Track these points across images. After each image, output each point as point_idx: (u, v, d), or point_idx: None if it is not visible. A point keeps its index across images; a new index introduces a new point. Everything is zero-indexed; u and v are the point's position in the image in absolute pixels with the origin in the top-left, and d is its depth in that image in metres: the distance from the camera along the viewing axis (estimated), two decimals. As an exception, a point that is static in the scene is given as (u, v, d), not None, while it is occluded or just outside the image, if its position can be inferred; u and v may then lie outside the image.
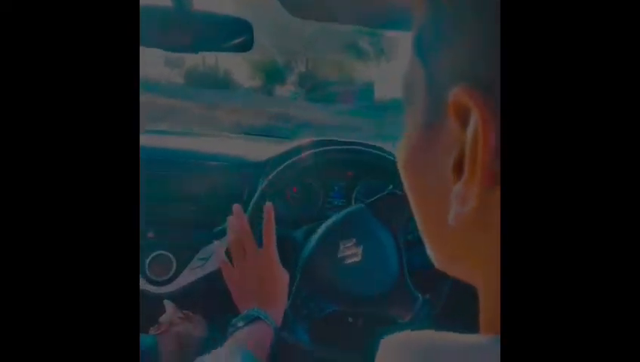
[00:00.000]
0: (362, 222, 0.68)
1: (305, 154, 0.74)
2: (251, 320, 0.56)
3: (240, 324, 0.56)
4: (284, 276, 0.64)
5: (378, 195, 0.69)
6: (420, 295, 0.67)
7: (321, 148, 0.75)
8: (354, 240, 0.66)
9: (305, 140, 0.88)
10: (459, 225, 0.20)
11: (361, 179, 0.89)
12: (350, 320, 0.78)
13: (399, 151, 0.24)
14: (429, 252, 0.25)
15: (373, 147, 0.83)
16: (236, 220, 0.65)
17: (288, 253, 0.70)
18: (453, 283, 0.72)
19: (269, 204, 0.66)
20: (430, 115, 0.21)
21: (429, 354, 0.19)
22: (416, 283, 0.68)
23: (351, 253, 0.66)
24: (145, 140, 0.92)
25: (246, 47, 0.65)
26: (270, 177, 0.76)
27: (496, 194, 0.18)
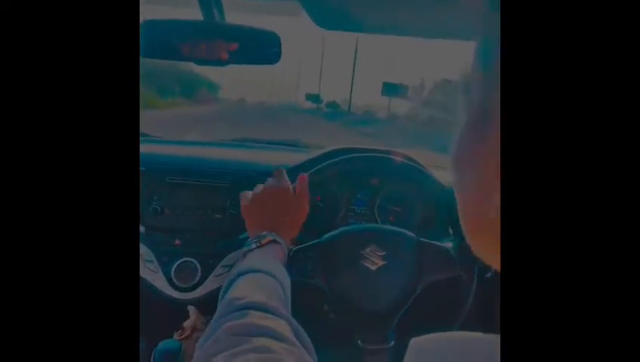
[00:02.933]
0: (403, 249, 0.67)
1: (329, 162, 0.75)
2: (264, 243, 0.59)
3: (254, 246, 0.59)
4: (304, 207, 0.66)
5: (436, 243, 0.69)
6: (393, 341, 0.66)
7: (345, 156, 0.75)
8: (384, 253, 0.66)
9: (329, 148, 0.89)
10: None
11: (384, 187, 0.89)
12: (326, 308, 0.76)
13: (453, 145, 0.25)
14: (466, 236, 0.26)
15: (398, 154, 0.82)
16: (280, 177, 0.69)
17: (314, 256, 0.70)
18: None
19: (304, 174, 0.70)
20: (484, 115, 0.22)
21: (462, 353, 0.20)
22: (399, 331, 0.66)
23: (372, 259, 0.65)
24: (173, 149, 0.95)
25: (274, 59, 0.66)
26: (294, 185, 0.77)
27: None
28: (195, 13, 0.62)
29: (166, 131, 1.14)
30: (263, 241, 0.59)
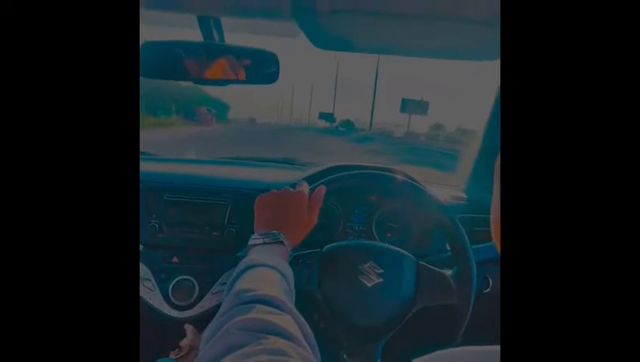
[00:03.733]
0: (402, 270, 0.67)
1: (327, 178, 0.75)
2: (271, 241, 0.59)
3: (259, 242, 0.59)
4: (314, 216, 0.66)
5: (436, 268, 0.68)
6: (379, 360, 0.65)
7: (343, 173, 0.76)
8: (382, 271, 0.66)
9: (328, 165, 0.89)
10: None
11: (382, 204, 0.90)
12: (316, 317, 0.75)
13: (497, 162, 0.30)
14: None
15: (396, 171, 0.83)
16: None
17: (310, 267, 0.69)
18: None
19: (322, 187, 0.70)
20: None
21: None
22: (390, 352, 0.66)
23: (369, 276, 0.65)
24: (171, 167, 0.95)
25: (272, 79, 0.68)
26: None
27: None
28: (195, 34, 0.63)
29: (169, 151, 1.15)
30: (270, 239, 0.59)
